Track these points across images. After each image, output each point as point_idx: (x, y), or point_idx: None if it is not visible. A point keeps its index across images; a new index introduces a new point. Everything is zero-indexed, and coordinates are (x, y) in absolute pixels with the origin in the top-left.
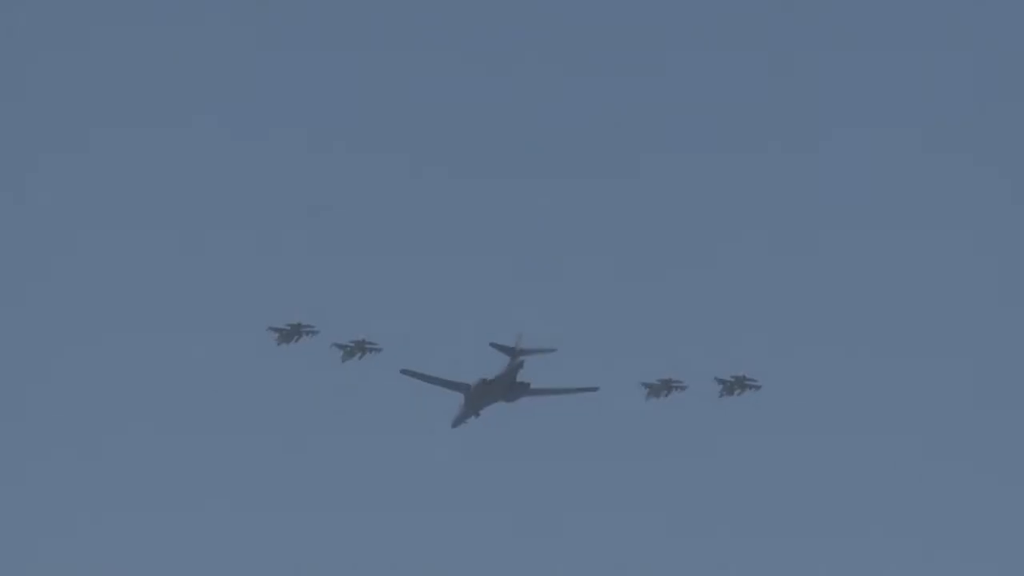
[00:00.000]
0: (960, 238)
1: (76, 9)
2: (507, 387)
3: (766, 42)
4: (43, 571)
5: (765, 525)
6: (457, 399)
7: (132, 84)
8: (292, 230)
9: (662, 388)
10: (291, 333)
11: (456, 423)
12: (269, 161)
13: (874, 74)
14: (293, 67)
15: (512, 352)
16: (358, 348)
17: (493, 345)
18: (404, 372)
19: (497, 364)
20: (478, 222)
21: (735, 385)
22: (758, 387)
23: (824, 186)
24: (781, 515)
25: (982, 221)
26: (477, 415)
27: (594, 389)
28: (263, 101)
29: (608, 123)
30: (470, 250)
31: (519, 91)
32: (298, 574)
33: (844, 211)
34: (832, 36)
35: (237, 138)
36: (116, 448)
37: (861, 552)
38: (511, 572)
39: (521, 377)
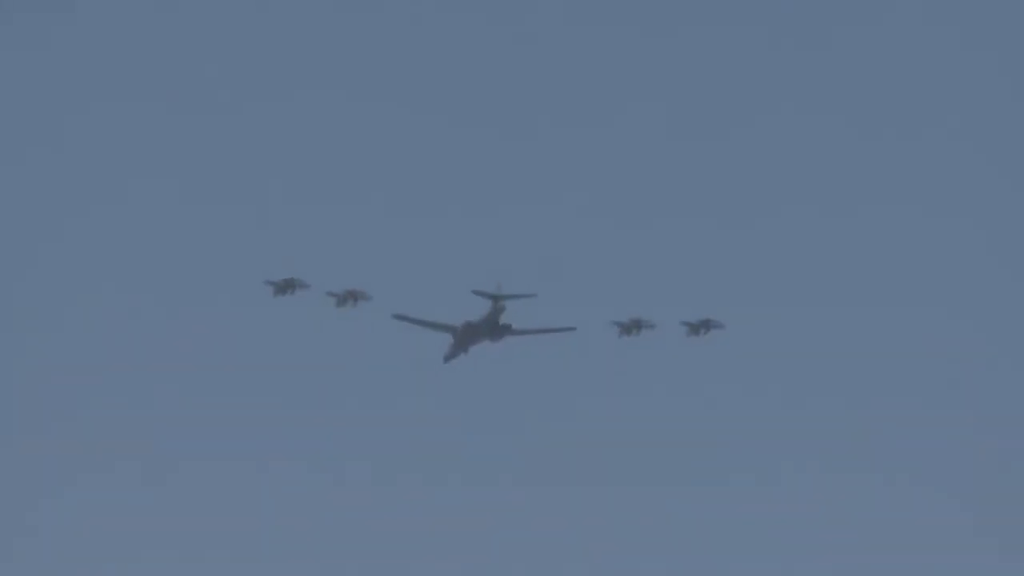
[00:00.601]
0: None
1: None
2: (491, 329)
3: None
4: None
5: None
6: (446, 339)
7: None
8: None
9: (632, 327)
10: (285, 286)
11: (447, 359)
12: None
13: None
14: None
15: (494, 297)
16: (350, 296)
17: (476, 292)
18: (396, 317)
19: (484, 307)
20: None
21: (700, 326)
22: (723, 327)
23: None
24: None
25: None
26: (465, 352)
27: (571, 329)
28: None
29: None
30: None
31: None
32: (297, 506)
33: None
34: None
35: None
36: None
37: (819, 480)
38: (494, 492)
39: (504, 320)
